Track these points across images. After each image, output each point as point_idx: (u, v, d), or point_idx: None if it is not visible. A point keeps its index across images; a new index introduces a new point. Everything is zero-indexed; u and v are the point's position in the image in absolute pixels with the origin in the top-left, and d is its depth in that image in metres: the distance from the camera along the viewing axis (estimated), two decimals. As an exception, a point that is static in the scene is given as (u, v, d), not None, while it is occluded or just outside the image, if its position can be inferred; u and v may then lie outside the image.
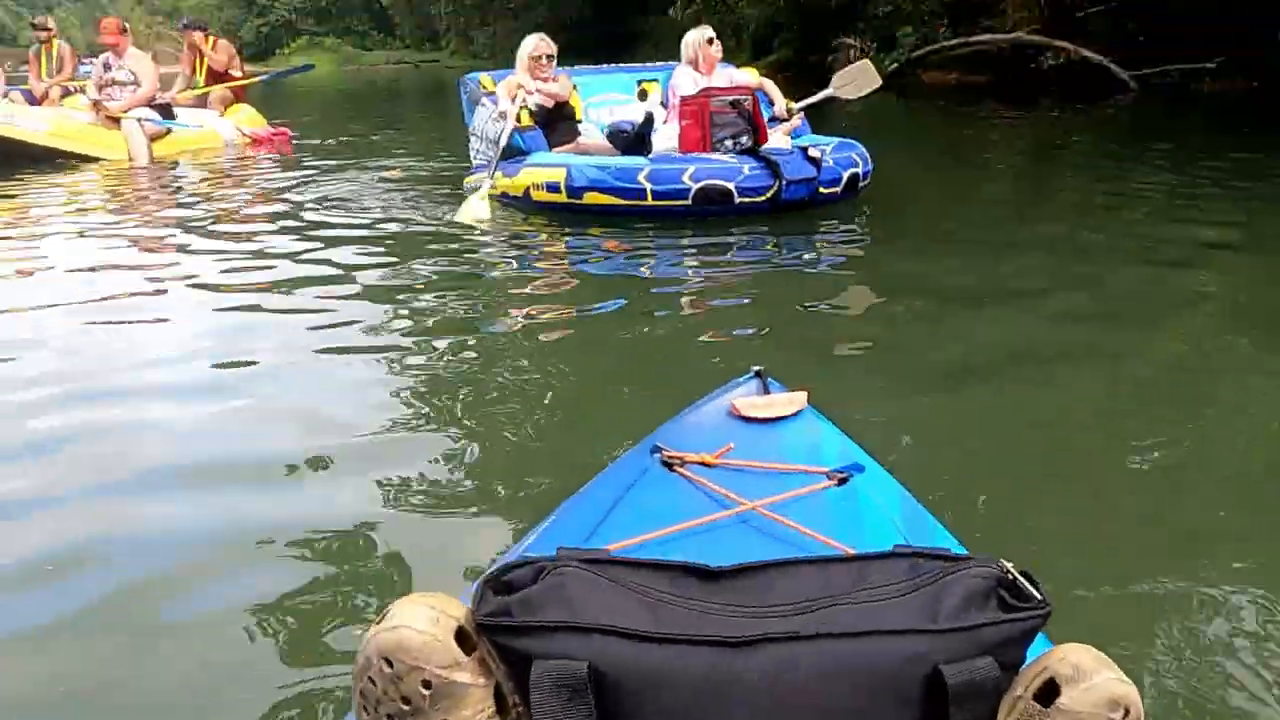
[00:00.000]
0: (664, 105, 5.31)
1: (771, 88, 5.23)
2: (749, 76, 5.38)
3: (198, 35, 8.69)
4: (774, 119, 4.98)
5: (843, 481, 1.07)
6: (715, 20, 20.22)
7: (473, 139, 5.30)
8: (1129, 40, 12.39)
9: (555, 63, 5.10)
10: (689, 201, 4.19)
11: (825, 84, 5.35)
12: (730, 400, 1.27)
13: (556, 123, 4.98)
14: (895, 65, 14.56)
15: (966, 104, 12.00)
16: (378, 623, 0.65)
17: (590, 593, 0.67)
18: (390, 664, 0.64)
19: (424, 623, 0.64)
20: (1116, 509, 1.82)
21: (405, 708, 0.65)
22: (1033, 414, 2.27)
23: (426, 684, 0.64)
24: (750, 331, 2.99)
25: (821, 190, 4.36)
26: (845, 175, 4.45)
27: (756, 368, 1.35)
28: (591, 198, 4.34)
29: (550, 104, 4.99)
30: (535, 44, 5.08)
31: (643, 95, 5.60)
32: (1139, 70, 11.84)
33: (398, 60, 50.01)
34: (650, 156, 4.44)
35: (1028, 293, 3.30)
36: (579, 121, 5.20)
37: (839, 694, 0.62)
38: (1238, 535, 1.71)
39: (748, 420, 1.23)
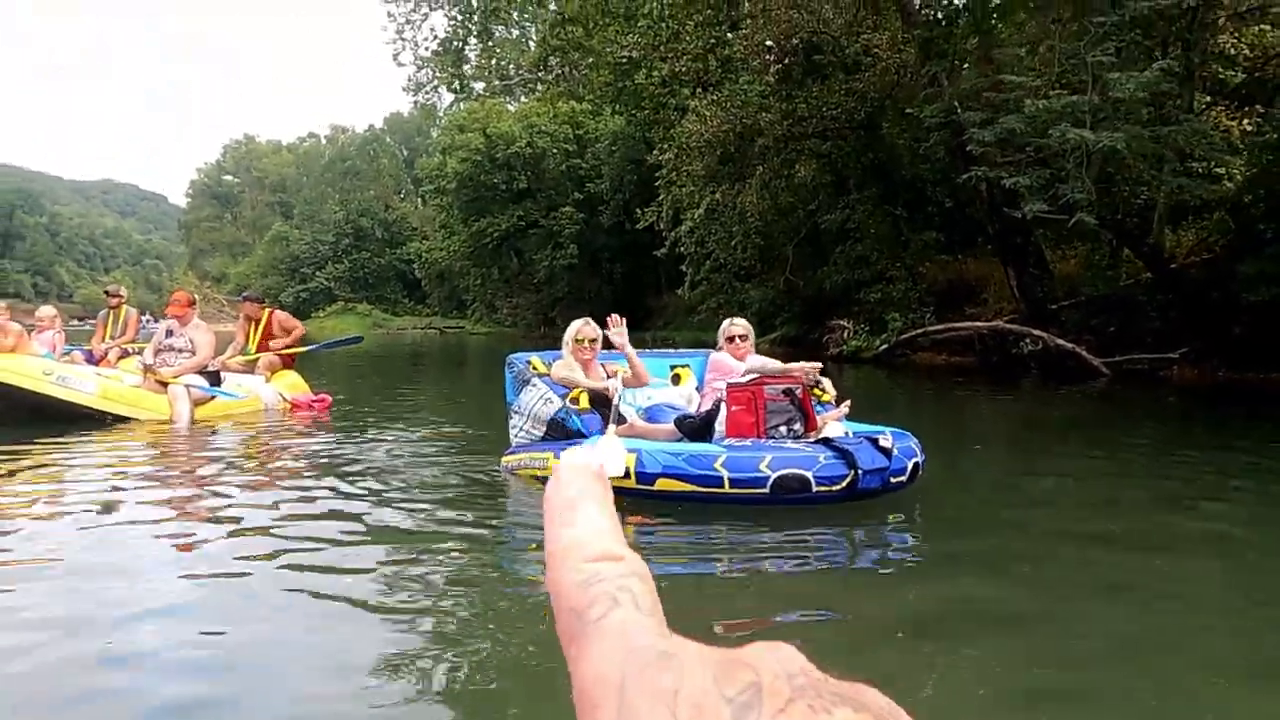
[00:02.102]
0: (698, 391, 5.38)
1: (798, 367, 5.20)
2: (778, 365, 5.30)
3: (251, 306, 9.24)
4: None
5: None
6: (721, 299, 22.12)
7: (515, 416, 5.24)
8: (1099, 331, 13.45)
9: (599, 345, 5.12)
10: (767, 490, 4.07)
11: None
12: None
13: (600, 407, 4.93)
14: (885, 346, 15.71)
15: (955, 383, 12.86)
16: None
17: None
18: None
19: None
20: None
21: None
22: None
23: None
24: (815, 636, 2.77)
25: (893, 480, 4.30)
26: (910, 464, 4.41)
27: None
28: (664, 484, 4.19)
29: (607, 390, 4.97)
30: (580, 328, 5.13)
31: (675, 380, 5.64)
32: (1111, 357, 12.74)
33: (425, 325, 53.17)
34: (724, 444, 4.36)
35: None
36: (685, 414, 5.07)
37: None
38: None
39: None
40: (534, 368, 5.27)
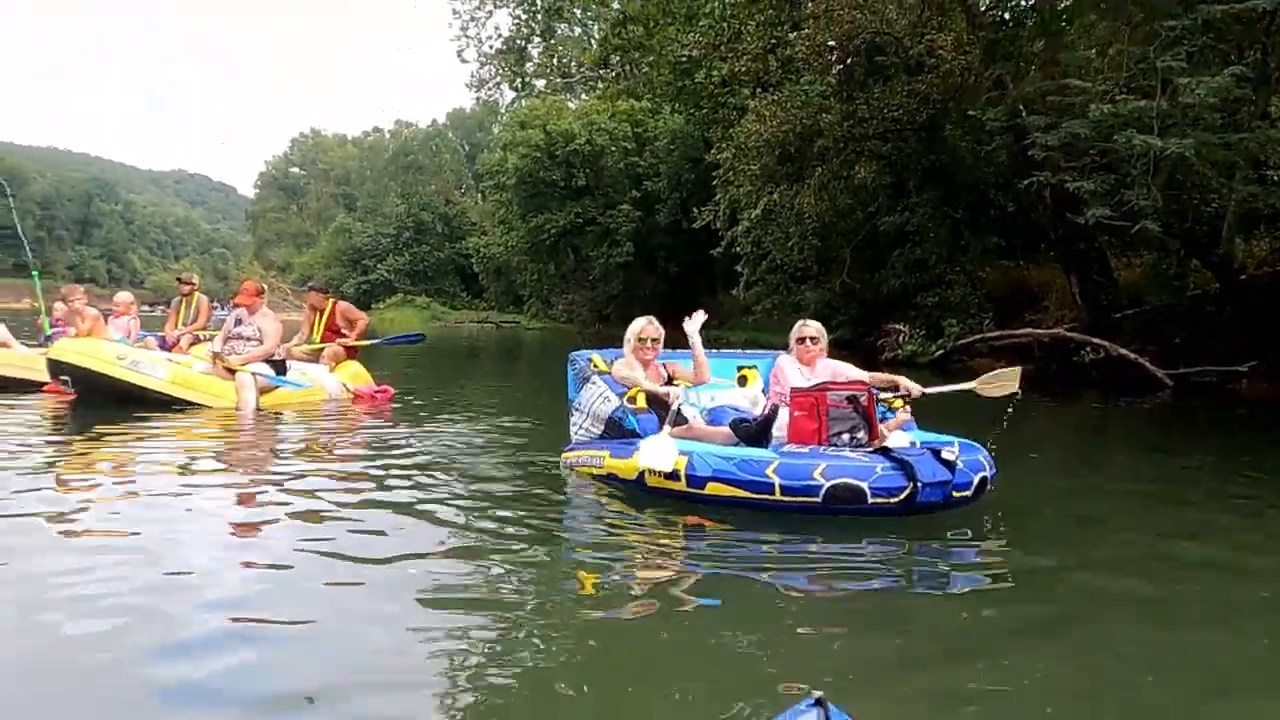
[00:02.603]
0: (764, 393, 5.22)
1: (888, 378, 5.04)
2: (856, 371, 5.12)
3: (316, 296, 9.49)
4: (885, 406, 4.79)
5: None
6: (777, 299, 22.04)
7: (575, 414, 5.22)
8: (1163, 342, 13.12)
9: (661, 345, 5.10)
10: (819, 499, 3.93)
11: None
12: None
13: (659, 408, 4.85)
14: (941, 351, 15.53)
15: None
16: None
17: None
18: None
19: None
20: None
21: None
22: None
23: None
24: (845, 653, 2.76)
25: (955, 494, 4.09)
26: (976, 479, 4.19)
27: (817, 694, 1.33)
28: (714, 488, 4.11)
29: (659, 383, 4.95)
30: (643, 327, 5.09)
31: (742, 381, 5.51)
32: (1175, 369, 12.43)
33: (481, 319, 53.80)
34: (779, 450, 4.25)
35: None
36: (741, 416, 4.95)
37: None
38: None
39: None
40: (595, 365, 5.25)
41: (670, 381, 5.05)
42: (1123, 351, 12.89)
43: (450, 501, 4.36)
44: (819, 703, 1.29)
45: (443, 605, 2.93)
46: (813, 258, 20.46)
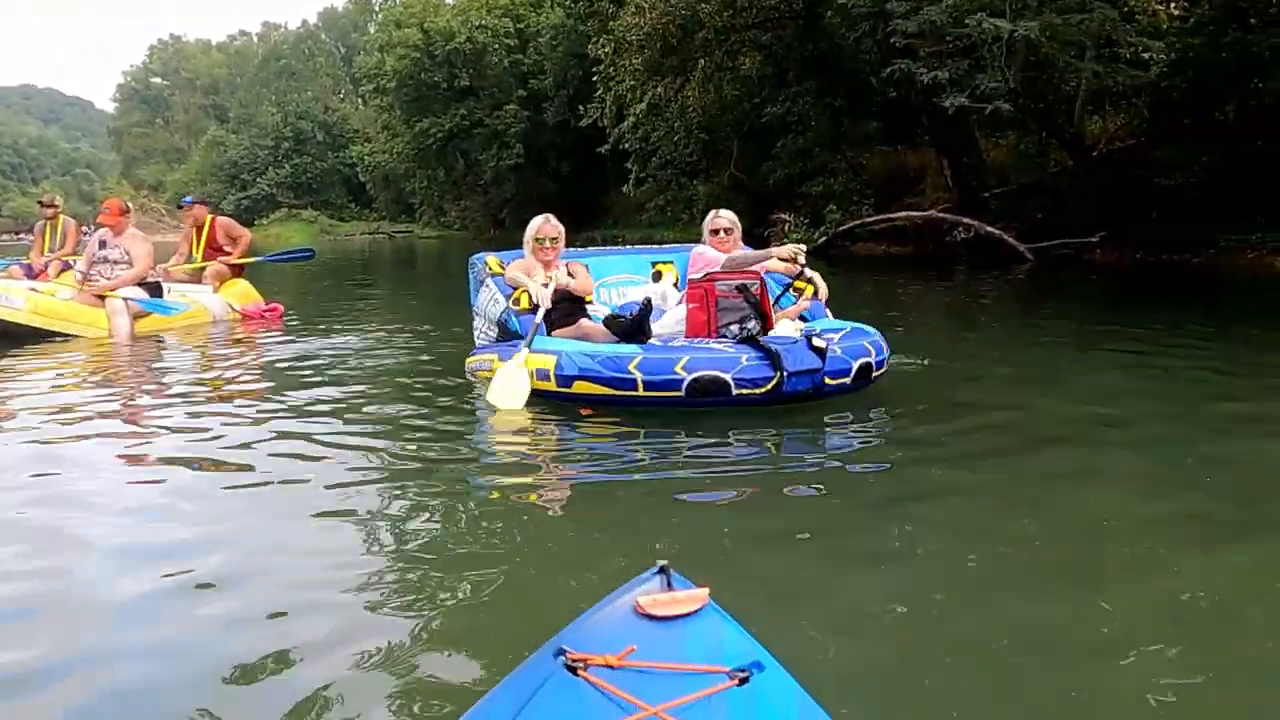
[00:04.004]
0: (678, 288, 5.13)
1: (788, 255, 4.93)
2: (756, 253, 5.07)
3: (200, 210, 8.87)
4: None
5: (743, 681, 1.14)
6: (668, 196, 22.20)
7: (477, 319, 5.16)
8: (1027, 218, 13.94)
9: (562, 244, 4.96)
10: (682, 393, 3.87)
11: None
12: (634, 597, 1.30)
13: (564, 305, 4.73)
14: (823, 239, 16.09)
15: (893, 271, 13.36)
16: None
17: None
18: None
19: None
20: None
21: None
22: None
23: None
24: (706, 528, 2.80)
25: (828, 382, 3.99)
26: (855, 365, 4.09)
27: (661, 563, 1.36)
28: (581, 387, 4.06)
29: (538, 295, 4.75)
30: (539, 226, 4.93)
31: (657, 277, 5.40)
32: (1036, 243, 13.27)
33: (372, 231, 52.38)
34: (644, 345, 4.16)
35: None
36: (589, 304, 4.95)
37: None
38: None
39: (651, 618, 1.26)
40: (490, 268, 5.12)
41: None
42: (989, 229, 13.66)
43: (350, 417, 4.21)
44: (662, 570, 1.34)
45: (347, 519, 2.85)
46: (701, 151, 20.63)
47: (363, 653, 1.96)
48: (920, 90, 14.51)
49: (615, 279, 5.37)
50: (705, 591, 1.30)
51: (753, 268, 4.69)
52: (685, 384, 3.88)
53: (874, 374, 4.24)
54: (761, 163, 20.34)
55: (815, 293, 4.90)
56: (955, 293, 11.24)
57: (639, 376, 3.94)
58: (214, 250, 8.81)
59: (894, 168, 18.84)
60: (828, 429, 3.96)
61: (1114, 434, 3.85)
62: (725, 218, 5.10)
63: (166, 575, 2.40)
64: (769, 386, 3.89)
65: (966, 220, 14.07)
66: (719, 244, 5.02)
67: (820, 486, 3.19)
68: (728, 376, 3.87)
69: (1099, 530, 2.73)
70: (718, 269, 4.70)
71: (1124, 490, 3.13)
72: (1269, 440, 3.67)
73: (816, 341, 4.00)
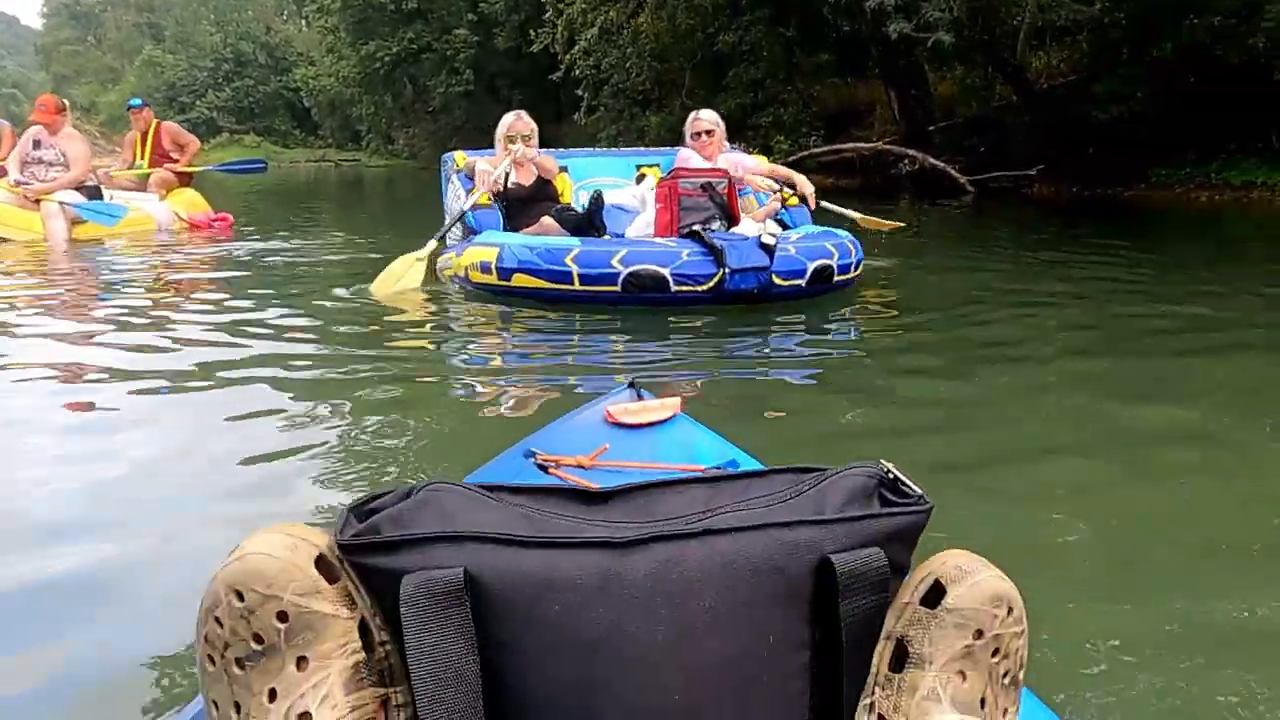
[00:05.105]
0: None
1: (786, 174, 4.97)
2: (757, 163, 5.03)
3: (146, 114, 8.54)
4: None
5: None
6: (621, 125, 22.09)
7: (448, 217, 5.05)
8: (971, 151, 14.27)
9: (535, 141, 4.77)
10: (618, 287, 3.76)
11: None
12: (604, 407, 1.28)
13: (533, 204, 4.61)
14: (773, 169, 16.26)
15: (840, 202, 13.60)
16: (226, 558, 0.57)
17: (467, 508, 0.63)
18: (241, 597, 0.56)
19: (279, 549, 0.57)
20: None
21: (257, 647, 0.56)
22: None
23: (282, 615, 0.56)
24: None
25: (777, 281, 3.85)
26: (811, 267, 3.93)
27: (630, 378, 1.37)
28: (519, 280, 3.98)
29: (528, 180, 4.67)
30: (512, 123, 4.72)
31: (640, 179, 5.23)
32: (977, 175, 13.62)
33: (318, 158, 51.14)
34: (583, 240, 4.05)
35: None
36: (567, 206, 4.82)
37: (728, 587, 0.60)
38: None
39: (622, 426, 1.24)
40: (457, 165, 5.02)
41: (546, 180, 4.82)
42: (934, 162, 13.96)
43: (305, 325, 3.99)
44: (632, 384, 1.39)
45: (292, 423, 2.64)
46: (653, 79, 20.53)
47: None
48: (869, 20, 14.67)
49: (594, 181, 5.21)
50: (677, 400, 1.30)
51: (738, 174, 4.60)
52: (622, 278, 3.77)
53: (835, 278, 4.07)
54: (714, 94, 20.31)
55: (802, 199, 4.84)
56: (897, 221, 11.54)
57: (575, 269, 3.83)
58: (160, 157, 8.50)
59: (844, 100, 18.99)
60: (771, 332, 3.75)
61: (1048, 348, 3.72)
62: (706, 119, 4.92)
63: (100, 496, 2.12)
64: (710, 284, 3.76)
65: (912, 153, 14.34)
66: (701, 147, 4.86)
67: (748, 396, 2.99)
68: (665, 271, 3.76)
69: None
70: (689, 167, 4.54)
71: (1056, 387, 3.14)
72: (1173, 337, 3.90)
73: (765, 239, 3.83)
